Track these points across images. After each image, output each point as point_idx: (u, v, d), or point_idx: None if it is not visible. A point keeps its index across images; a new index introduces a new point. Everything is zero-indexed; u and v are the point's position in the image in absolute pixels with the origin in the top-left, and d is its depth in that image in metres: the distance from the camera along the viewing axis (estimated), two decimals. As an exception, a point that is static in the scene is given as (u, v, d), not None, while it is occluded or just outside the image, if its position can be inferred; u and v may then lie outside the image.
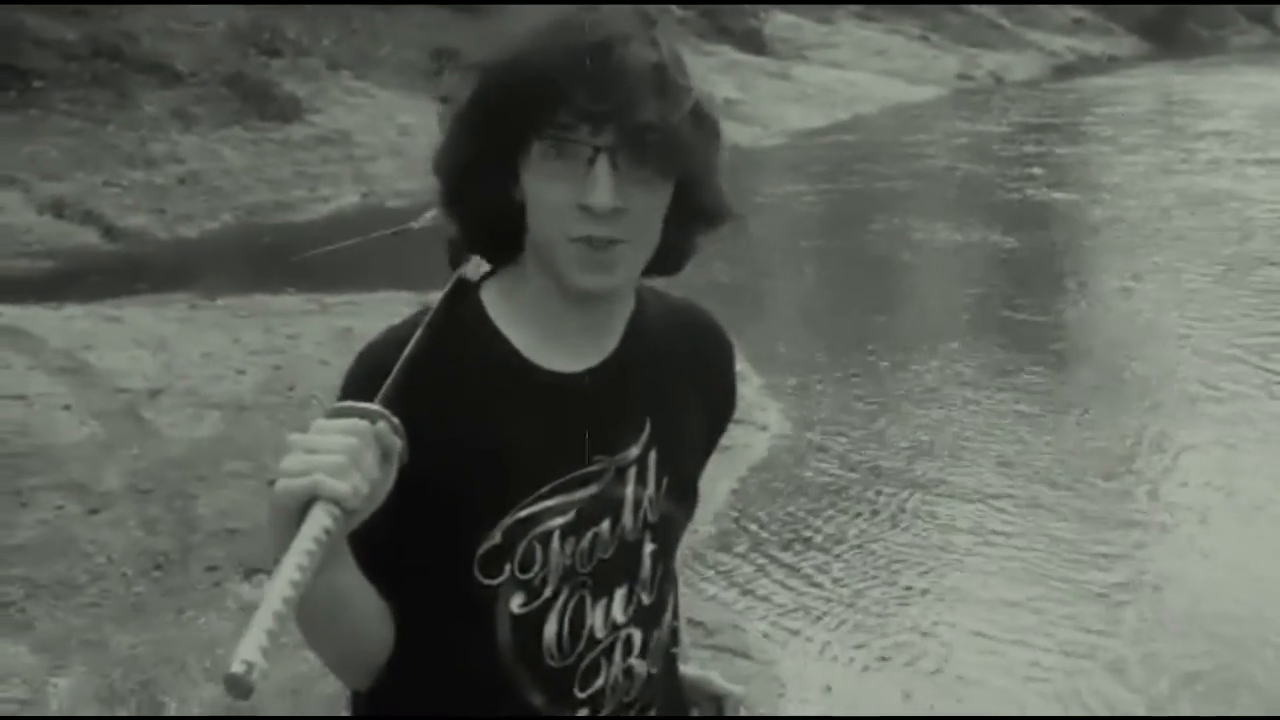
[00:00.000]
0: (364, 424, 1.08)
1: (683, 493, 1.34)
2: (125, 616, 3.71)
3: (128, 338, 6.22)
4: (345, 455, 1.06)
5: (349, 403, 1.12)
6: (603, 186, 1.16)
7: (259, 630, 0.96)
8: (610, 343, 1.28)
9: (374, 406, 1.10)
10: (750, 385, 6.22)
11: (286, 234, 9.72)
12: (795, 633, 3.95)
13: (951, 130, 16.04)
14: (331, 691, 3.31)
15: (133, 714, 3.25)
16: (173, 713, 3.26)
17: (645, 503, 1.29)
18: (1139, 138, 15.52)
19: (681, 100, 1.22)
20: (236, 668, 0.94)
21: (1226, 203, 10.96)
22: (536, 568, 1.23)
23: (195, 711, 3.27)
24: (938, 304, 8.22)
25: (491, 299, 1.26)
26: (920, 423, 5.81)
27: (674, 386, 1.34)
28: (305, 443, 1.07)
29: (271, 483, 1.06)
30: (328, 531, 1.03)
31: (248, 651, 0.95)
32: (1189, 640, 3.89)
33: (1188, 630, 3.95)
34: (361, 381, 1.19)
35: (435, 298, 1.25)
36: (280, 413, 5.39)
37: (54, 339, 6.10)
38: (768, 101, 16.59)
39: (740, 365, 5.76)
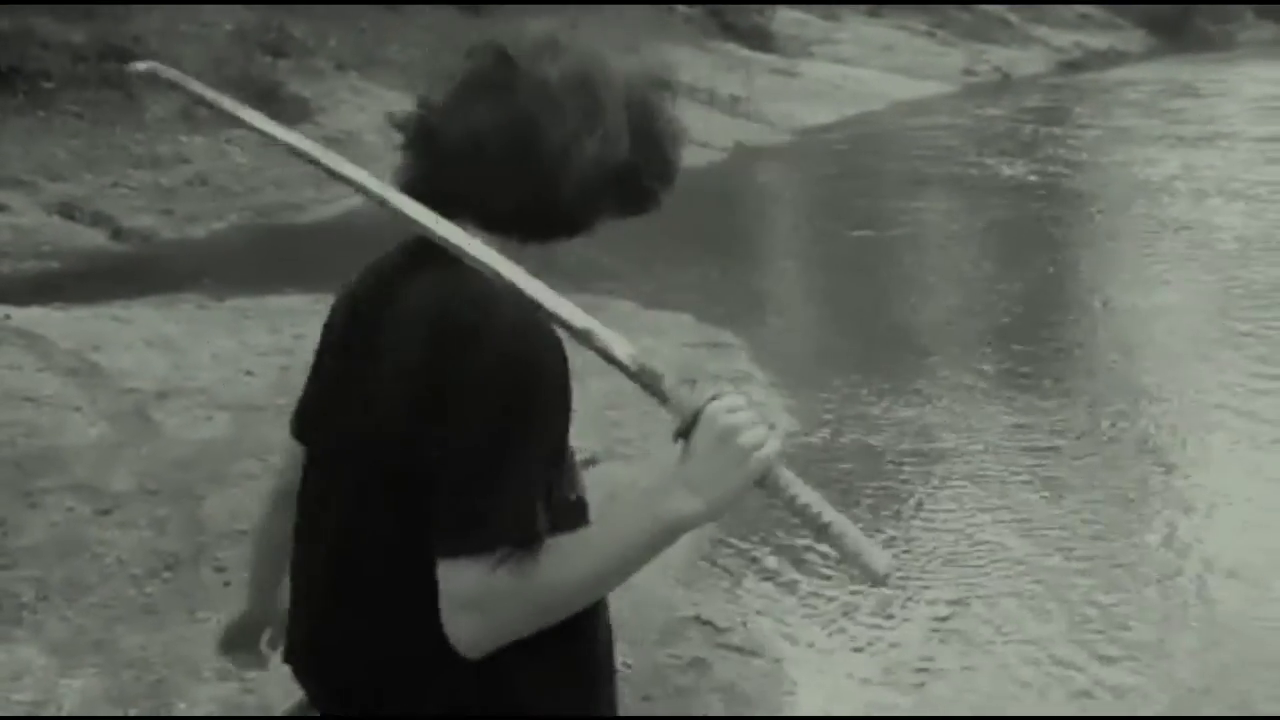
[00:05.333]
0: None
1: None
2: (136, 617, 3.71)
3: (136, 338, 6.24)
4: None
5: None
6: None
7: (864, 540, 1.24)
8: None
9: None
10: (756, 383, 6.22)
11: (294, 235, 9.73)
12: (805, 631, 3.95)
13: (952, 124, 16.01)
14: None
15: (144, 715, 3.26)
16: (182, 713, 3.27)
17: None
18: (1122, 123, 15.82)
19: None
20: (887, 568, 1.24)
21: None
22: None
23: (206, 710, 3.28)
24: (945, 297, 8.21)
25: None
26: (929, 416, 5.80)
27: None
28: (749, 417, 1.23)
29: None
30: None
31: (881, 558, 1.24)
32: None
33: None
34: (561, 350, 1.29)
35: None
36: (288, 413, 5.40)
37: (63, 340, 6.12)
38: (774, 98, 16.56)
39: (744, 364, 5.68)
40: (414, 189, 1.39)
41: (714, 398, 1.24)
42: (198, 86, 1.47)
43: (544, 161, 1.34)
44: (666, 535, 1.26)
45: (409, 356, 1.31)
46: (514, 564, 1.23)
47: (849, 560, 1.25)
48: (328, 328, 1.54)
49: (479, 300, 1.29)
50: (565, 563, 1.25)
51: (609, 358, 1.27)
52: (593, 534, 1.29)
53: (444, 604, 1.26)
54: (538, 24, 1.40)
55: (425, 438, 1.27)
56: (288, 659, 1.59)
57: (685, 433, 1.25)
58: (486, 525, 1.24)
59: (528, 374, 1.26)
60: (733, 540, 4.56)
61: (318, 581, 1.45)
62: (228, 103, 1.46)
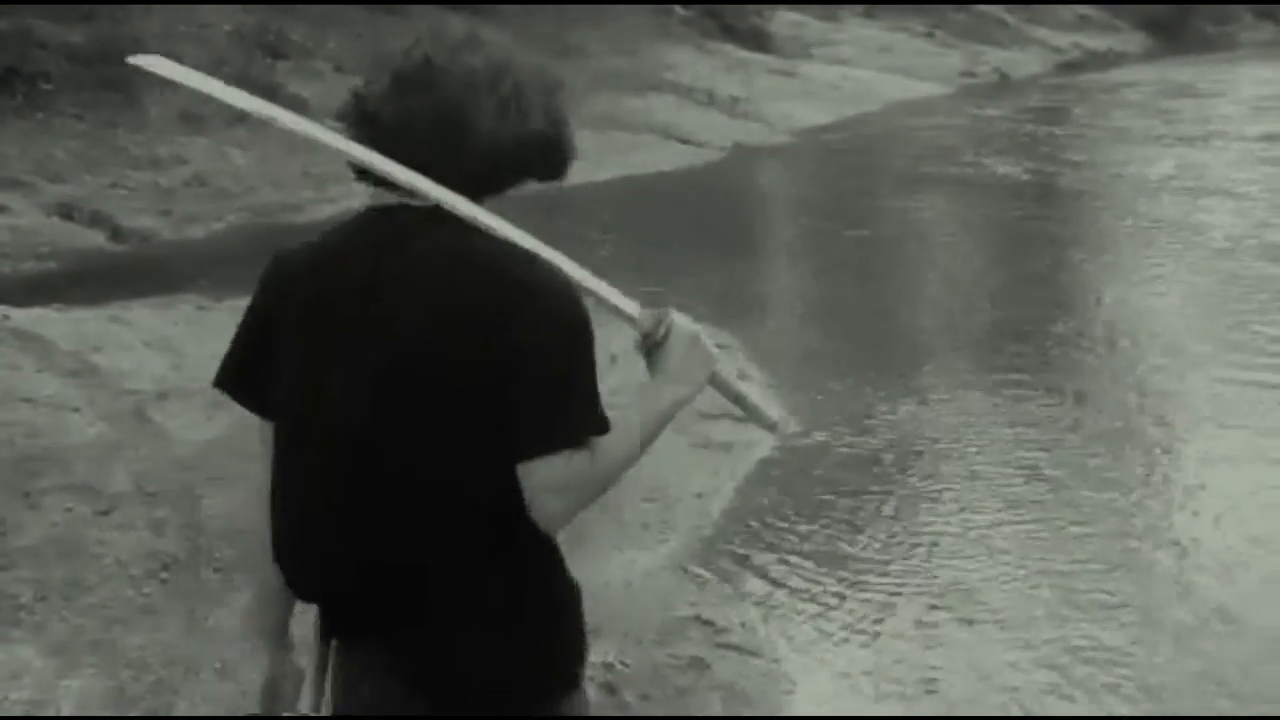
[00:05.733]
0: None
1: None
2: (134, 618, 3.72)
3: (135, 339, 6.24)
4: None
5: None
6: None
7: (764, 404, 1.94)
8: None
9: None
10: (754, 383, 6.23)
11: (293, 235, 9.73)
12: (804, 630, 3.95)
13: (950, 124, 16.02)
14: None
15: (142, 715, 3.26)
16: (182, 713, 3.27)
17: None
18: (1119, 124, 15.97)
19: None
20: (781, 423, 2.10)
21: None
22: None
23: (205, 711, 3.28)
24: (941, 296, 8.22)
25: None
26: (925, 417, 5.81)
27: None
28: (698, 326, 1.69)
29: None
30: None
31: (774, 412, 1.93)
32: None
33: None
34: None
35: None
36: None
37: (62, 341, 6.12)
38: (772, 99, 16.57)
39: (741, 364, 5.69)
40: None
41: (672, 316, 1.69)
42: (204, 81, 1.62)
43: (470, 136, 1.63)
44: (669, 414, 1.69)
45: (497, 311, 1.58)
46: (585, 452, 1.59)
47: (752, 417, 1.91)
48: (298, 295, 1.69)
49: (523, 260, 1.62)
50: (613, 445, 1.62)
51: (588, 290, 1.66)
52: (620, 423, 1.64)
53: (534, 494, 1.58)
54: (458, 21, 1.73)
55: (498, 374, 1.57)
56: (311, 598, 1.75)
57: (656, 344, 1.68)
58: (570, 426, 1.59)
59: (577, 311, 1.61)
60: (731, 541, 4.57)
61: (381, 517, 1.62)
62: (231, 93, 1.62)
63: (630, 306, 1.69)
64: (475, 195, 1.64)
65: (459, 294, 1.58)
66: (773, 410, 1.87)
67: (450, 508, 1.61)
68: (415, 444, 1.59)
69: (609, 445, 1.62)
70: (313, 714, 1.80)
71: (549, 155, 1.71)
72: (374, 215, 1.67)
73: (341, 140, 1.63)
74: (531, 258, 1.62)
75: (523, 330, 1.57)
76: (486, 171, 1.66)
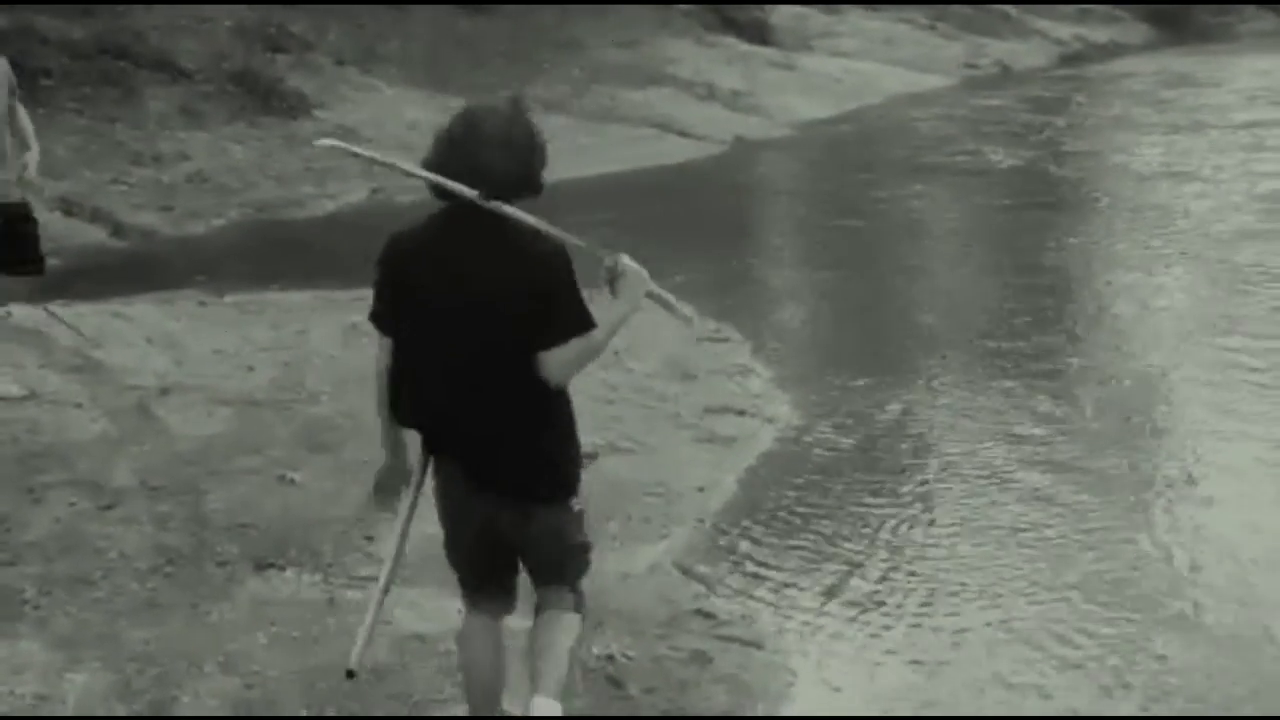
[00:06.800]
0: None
1: None
2: (138, 612, 3.73)
3: (137, 335, 6.25)
4: None
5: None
6: None
7: (682, 307, 2.96)
8: None
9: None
10: (757, 377, 6.23)
11: (294, 230, 9.75)
12: (806, 623, 3.96)
13: (951, 115, 16.01)
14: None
15: (146, 709, 3.27)
16: (186, 707, 3.28)
17: None
18: (1116, 114, 16.00)
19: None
20: (692, 314, 3.05)
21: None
22: None
23: (209, 704, 3.29)
24: (942, 288, 8.23)
25: None
26: (926, 411, 5.82)
27: None
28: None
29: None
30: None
31: (689, 310, 3.01)
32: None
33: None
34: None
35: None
36: (290, 408, 5.42)
37: (64, 337, 6.13)
38: (773, 92, 16.56)
39: (745, 358, 5.69)
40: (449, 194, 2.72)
41: (623, 259, 2.74)
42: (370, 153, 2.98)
43: (498, 175, 2.68)
44: (625, 319, 2.76)
45: (523, 267, 2.65)
46: (583, 337, 2.68)
47: (678, 318, 2.93)
48: (407, 262, 2.74)
49: (537, 231, 2.69)
50: (597, 334, 2.70)
51: (574, 242, 2.71)
52: (601, 323, 2.71)
53: (555, 364, 2.67)
54: (499, 99, 2.81)
55: (539, 299, 2.64)
56: (436, 442, 2.82)
57: (616, 276, 2.72)
58: (582, 322, 2.68)
59: (569, 258, 2.69)
60: (732, 534, 4.57)
61: (463, 389, 2.71)
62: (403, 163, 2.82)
63: (605, 253, 2.75)
64: (509, 201, 2.69)
65: (513, 257, 2.66)
66: (689, 311, 2.96)
67: (515, 380, 2.68)
68: (497, 346, 2.66)
69: (595, 334, 2.69)
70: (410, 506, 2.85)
71: (534, 182, 2.75)
72: (450, 210, 2.71)
73: (445, 180, 2.66)
74: (539, 230, 2.68)
75: (551, 275, 2.66)
76: (518, 192, 2.71)
